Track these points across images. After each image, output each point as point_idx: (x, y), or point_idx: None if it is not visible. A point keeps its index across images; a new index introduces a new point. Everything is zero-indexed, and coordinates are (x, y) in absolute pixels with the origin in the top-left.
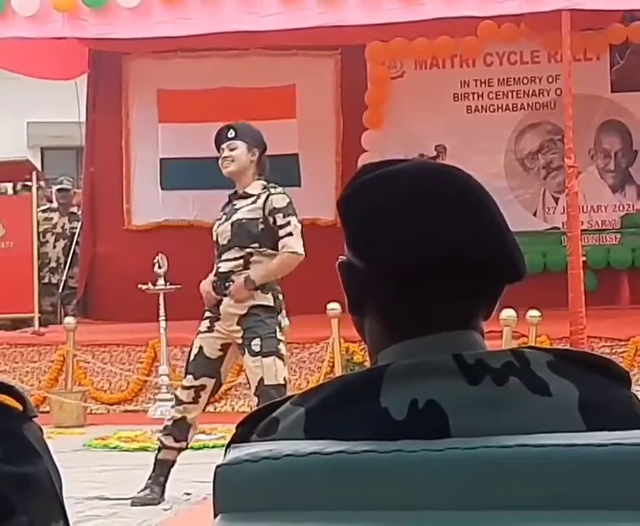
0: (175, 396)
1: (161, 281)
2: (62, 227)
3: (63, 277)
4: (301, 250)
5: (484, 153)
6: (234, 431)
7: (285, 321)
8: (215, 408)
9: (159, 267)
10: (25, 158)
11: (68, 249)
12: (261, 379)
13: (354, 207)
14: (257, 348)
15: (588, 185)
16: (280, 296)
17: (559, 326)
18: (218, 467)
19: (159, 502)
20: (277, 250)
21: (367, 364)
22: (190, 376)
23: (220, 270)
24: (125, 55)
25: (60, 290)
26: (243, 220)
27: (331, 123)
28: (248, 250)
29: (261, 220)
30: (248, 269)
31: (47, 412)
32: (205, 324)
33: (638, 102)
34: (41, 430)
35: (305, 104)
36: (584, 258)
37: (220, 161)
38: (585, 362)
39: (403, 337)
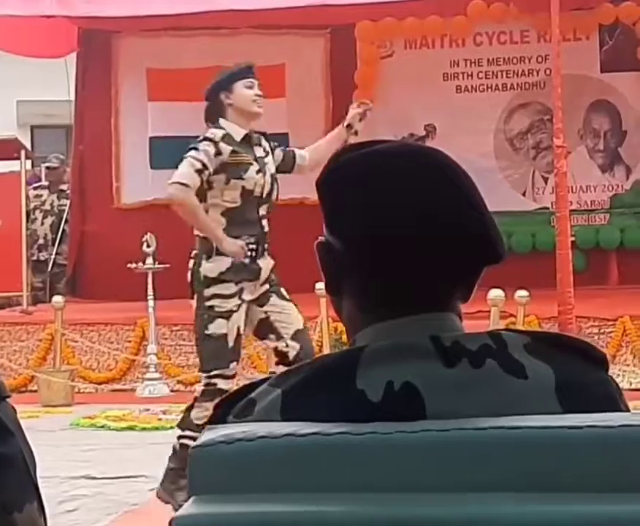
0: (212, 390)
1: (149, 260)
2: (50, 204)
3: (52, 256)
4: None
5: (473, 133)
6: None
7: None
8: None
9: (148, 246)
10: (14, 136)
11: (57, 226)
12: (305, 326)
13: (331, 188)
14: (287, 295)
15: (577, 165)
16: None
17: (547, 306)
18: (192, 448)
19: None
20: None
21: None
22: (234, 363)
23: (264, 230)
24: (114, 34)
25: (49, 268)
26: (275, 174)
27: (320, 102)
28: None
29: None
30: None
31: (35, 391)
32: (235, 302)
33: (628, 82)
34: (14, 410)
35: (295, 83)
36: (573, 239)
37: (250, 96)
38: (562, 345)
39: (380, 318)
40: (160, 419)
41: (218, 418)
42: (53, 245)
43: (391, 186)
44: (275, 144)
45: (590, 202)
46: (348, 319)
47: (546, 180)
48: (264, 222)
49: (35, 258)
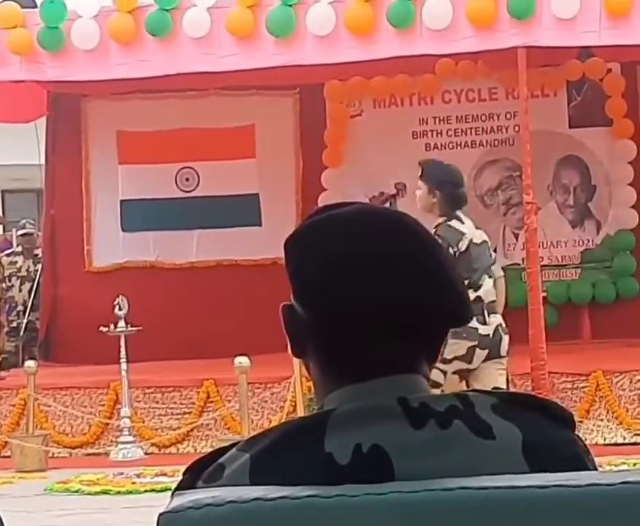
0: None
1: (121, 323)
2: (27, 270)
3: (24, 320)
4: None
5: None
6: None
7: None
8: (178, 449)
9: (120, 309)
10: None
11: (33, 292)
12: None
13: (293, 252)
14: None
15: (548, 221)
16: None
17: (520, 362)
18: (160, 515)
19: None
20: None
21: None
22: None
23: None
24: (83, 97)
25: (21, 333)
26: None
27: (290, 162)
28: None
29: None
30: None
31: (9, 457)
32: None
33: (596, 137)
34: None
35: (265, 144)
36: (545, 294)
37: None
38: (529, 404)
39: (348, 381)
40: (134, 483)
41: (187, 483)
42: (33, 310)
43: (351, 256)
44: None
45: (561, 257)
46: (315, 381)
47: (516, 236)
48: None
49: (14, 325)
